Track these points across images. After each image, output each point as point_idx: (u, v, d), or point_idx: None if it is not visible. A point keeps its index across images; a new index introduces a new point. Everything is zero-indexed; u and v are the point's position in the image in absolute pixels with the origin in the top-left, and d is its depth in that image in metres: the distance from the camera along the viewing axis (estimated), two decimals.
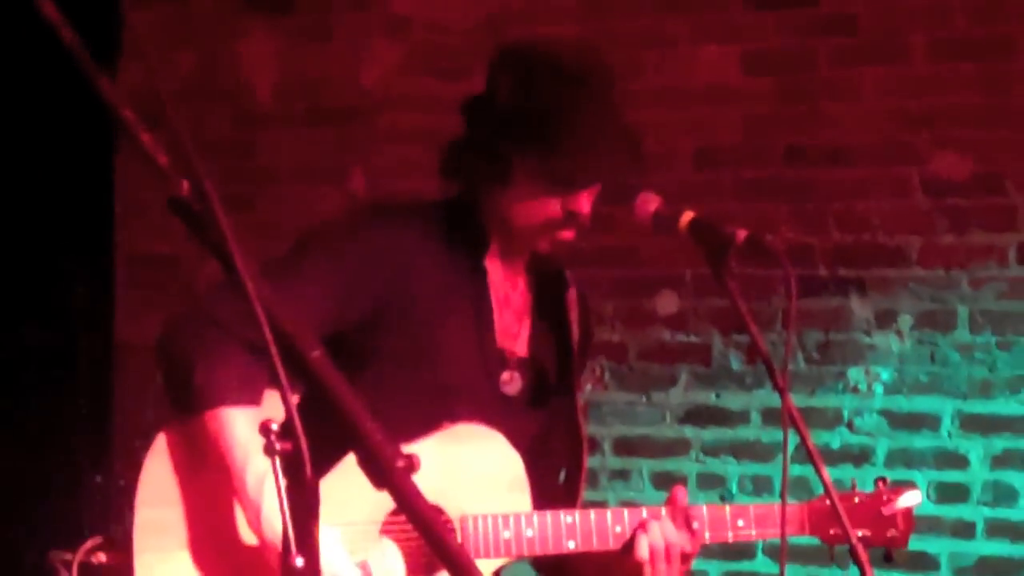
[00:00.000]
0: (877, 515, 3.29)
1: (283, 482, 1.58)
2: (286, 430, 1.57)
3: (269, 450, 1.58)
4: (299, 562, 1.54)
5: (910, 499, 3.31)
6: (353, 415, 1.61)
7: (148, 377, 6.06)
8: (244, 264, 1.57)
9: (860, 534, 3.19)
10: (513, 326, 3.25)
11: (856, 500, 3.29)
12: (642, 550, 3.08)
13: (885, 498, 3.30)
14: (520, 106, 3.01)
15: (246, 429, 2.79)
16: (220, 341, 2.81)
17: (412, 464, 1.64)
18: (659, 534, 3.08)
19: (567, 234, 3.12)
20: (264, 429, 1.60)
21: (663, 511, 3.14)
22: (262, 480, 2.76)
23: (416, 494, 1.63)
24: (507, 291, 3.23)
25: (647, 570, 3.09)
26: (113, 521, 2.97)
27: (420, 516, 1.63)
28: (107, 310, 6.39)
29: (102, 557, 2.86)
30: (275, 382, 1.56)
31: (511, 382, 3.23)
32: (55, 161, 6.04)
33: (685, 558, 3.13)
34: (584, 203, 3.07)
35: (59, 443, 5.99)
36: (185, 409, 2.85)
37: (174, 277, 6.19)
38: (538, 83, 3.02)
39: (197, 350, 2.84)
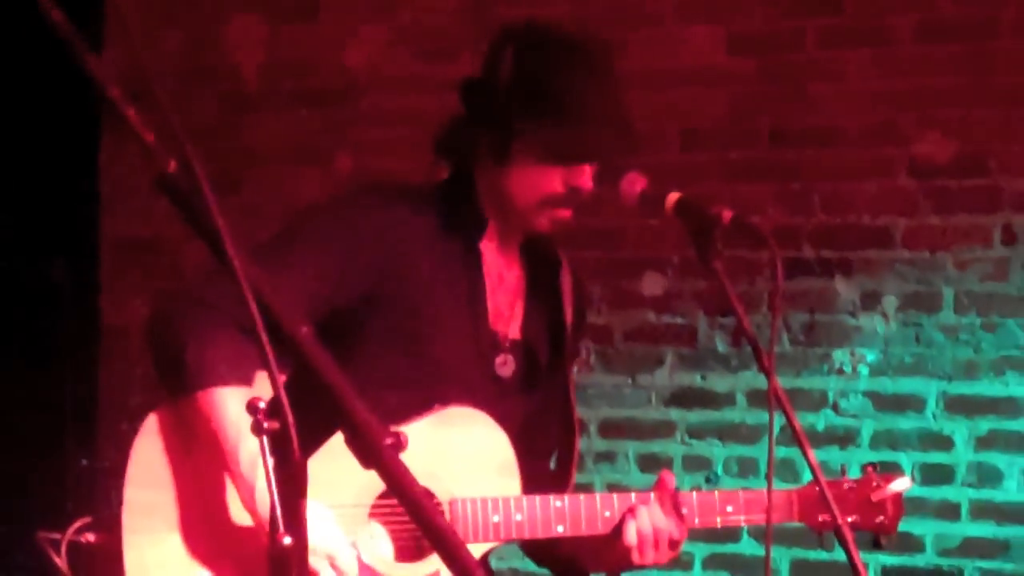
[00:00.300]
0: (866, 501, 3.29)
1: (271, 461, 1.58)
2: (273, 409, 1.57)
3: (256, 429, 1.58)
4: (287, 540, 1.54)
5: (899, 485, 3.32)
6: (340, 393, 1.61)
7: (133, 360, 6.09)
8: (231, 243, 1.57)
9: (849, 520, 3.20)
10: (506, 309, 3.24)
11: (845, 487, 3.30)
12: (630, 535, 3.08)
13: (874, 484, 3.31)
14: (524, 79, 3.02)
15: (238, 408, 2.78)
16: (211, 321, 2.81)
17: (400, 442, 1.64)
18: (647, 520, 3.09)
19: (566, 212, 3.11)
20: (251, 408, 1.60)
21: (651, 496, 3.14)
22: (256, 458, 2.75)
23: (404, 472, 1.63)
24: (501, 273, 3.22)
25: (635, 555, 3.10)
26: (99, 504, 2.96)
27: (408, 495, 1.63)
28: (92, 293, 6.38)
29: (90, 537, 2.85)
30: (264, 361, 1.56)
31: (504, 365, 3.22)
32: (40, 145, 6.02)
33: (673, 544, 3.13)
34: (586, 178, 3.07)
35: (45, 426, 5.98)
36: (176, 389, 2.84)
37: (159, 260, 6.19)
38: (542, 57, 3.04)
39: (188, 331, 2.84)
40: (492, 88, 3.05)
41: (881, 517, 3.31)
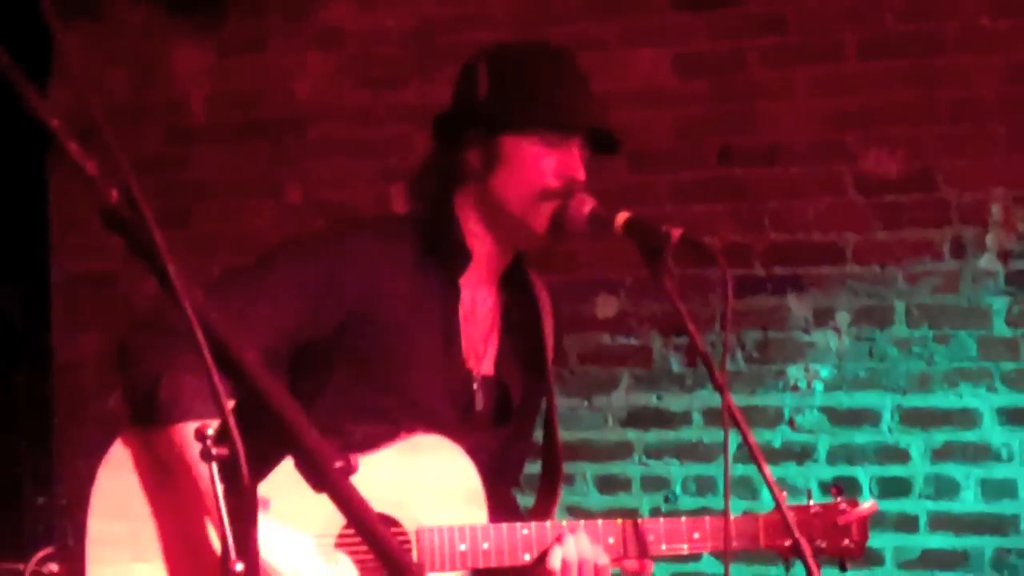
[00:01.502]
0: (833, 526, 3.31)
1: (220, 487, 1.57)
2: (222, 435, 1.57)
3: (205, 455, 1.57)
4: (239, 567, 1.54)
5: (864, 509, 3.33)
6: (288, 418, 1.61)
7: (87, 396, 6.06)
8: (174, 270, 1.57)
9: (816, 545, 3.21)
10: (480, 344, 3.23)
11: (812, 511, 3.30)
12: (554, 561, 3.06)
13: (841, 508, 3.32)
14: (501, 82, 3.08)
15: None
16: (182, 351, 2.79)
17: (350, 465, 1.64)
18: (573, 547, 3.07)
19: (562, 208, 3.10)
20: (199, 435, 1.60)
21: (580, 524, 3.12)
22: None
23: (354, 495, 1.63)
24: (475, 308, 3.22)
25: None
26: (57, 541, 2.94)
27: (358, 516, 1.62)
28: (44, 329, 6.35)
29: (53, 568, 2.84)
30: (211, 388, 1.56)
31: (475, 400, 3.22)
32: None
33: (599, 572, 3.10)
34: (578, 166, 3.09)
35: (1, 464, 5.94)
36: (148, 421, 2.83)
37: (111, 295, 6.16)
38: (514, 60, 3.12)
39: (160, 363, 2.82)
40: (471, 104, 3.10)
41: (847, 540, 3.32)
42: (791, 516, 2.90)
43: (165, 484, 2.85)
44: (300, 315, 2.97)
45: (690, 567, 5.51)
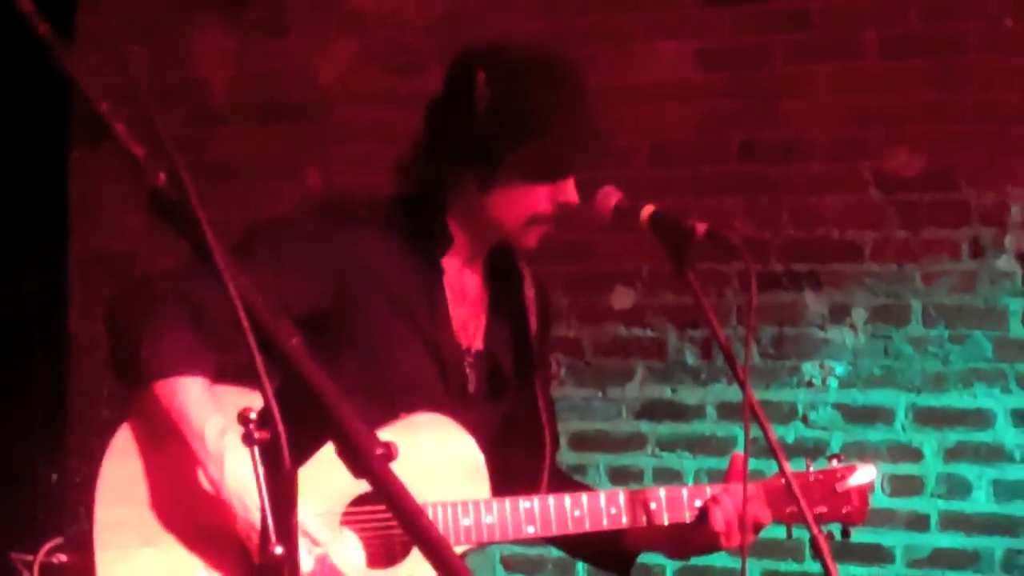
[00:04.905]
0: (832, 492, 3.32)
1: (261, 471, 1.58)
2: (264, 419, 1.58)
3: (247, 439, 1.58)
4: (279, 550, 1.55)
5: (865, 475, 3.35)
6: (331, 404, 1.62)
7: (103, 375, 6.07)
8: (222, 254, 1.58)
9: (817, 511, 3.23)
10: (470, 321, 3.26)
11: (811, 478, 3.32)
12: (718, 522, 3.14)
13: (839, 475, 3.34)
14: (502, 107, 3.03)
15: (201, 393, 2.82)
16: (165, 315, 2.83)
17: (390, 452, 1.65)
18: (731, 505, 3.14)
19: (551, 226, 3.15)
20: (243, 418, 1.61)
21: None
22: (223, 432, 2.76)
23: (395, 482, 1.64)
24: (464, 287, 3.24)
25: (723, 540, 3.16)
26: (70, 519, 2.96)
27: (400, 504, 1.64)
28: (61, 309, 6.36)
29: (62, 557, 2.85)
30: (255, 371, 1.57)
31: (469, 376, 3.25)
32: (8, 159, 6.00)
33: (757, 527, 3.20)
34: (573, 193, 3.11)
35: (14, 442, 5.96)
36: (134, 382, 2.85)
37: (128, 275, 6.16)
38: (515, 81, 3.05)
39: (144, 324, 2.85)
40: (470, 116, 3.06)
41: (848, 507, 3.33)
42: (795, 483, 2.94)
43: (163, 462, 2.87)
44: (283, 300, 2.96)
45: (700, 560, 5.52)
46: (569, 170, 3.09)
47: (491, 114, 3.04)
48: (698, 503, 3.21)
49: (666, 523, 3.20)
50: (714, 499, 3.17)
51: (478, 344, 3.28)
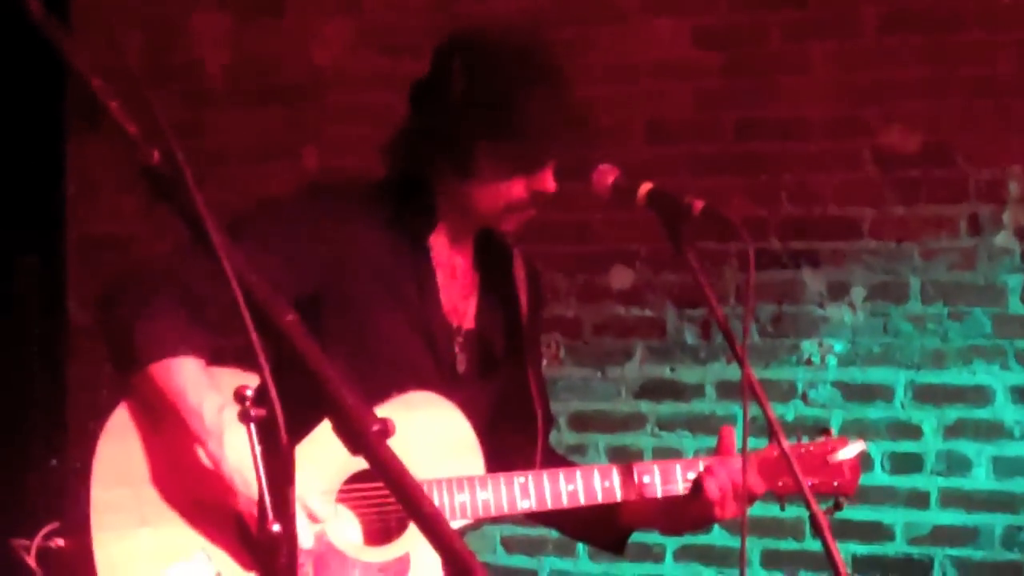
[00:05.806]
0: (824, 464, 3.33)
1: (258, 448, 1.58)
2: (260, 396, 1.57)
3: (244, 416, 1.58)
4: (276, 528, 1.55)
5: (855, 448, 3.37)
6: (327, 380, 1.62)
7: (101, 359, 6.06)
8: (216, 232, 1.57)
9: (809, 483, 3.23)
10: (460, 300, 3.27)
11: (803, 451, 3.33)
12: (712, 491, 3.15)
13: (830, 448, 3.35)
14: (478, 96, 3.04)
15: (197, 372, 2.83)
16: (158, 299, 2.84)
17: (387, 429, 1.65)
18: (726, 475, 3.15)
19: (532, 212, 3.17)
20: (239, 396, 1.61)
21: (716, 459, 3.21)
22: (222, 408, 2.77)
23: (392, 459, 1.64)
24: (453, 266, 3.26)
25: (717, 510, 3.17)
26: (69, 503, 2.95)
27: (396, 481, 1.63)
28: (60, 292, 6.36)
29: (60, 542, 2.85)
30: (251, 349, 1.56)
31: (459, 355, 3.25)
32: (5, 143, 6.00)
33: (751, 498, 3.20)
34: (550, 182, 3.12)
35: (13, 426, 5.96)
36: (128, 367, 2.86)
37: (127, 258, 6.16)
38: (493, 70, 3.05)
39: (135, 309, 2.86)
40: (446, 104, 3.07)
41: (839, 480, 3.34)
42: (791, 452, 2.95)
43: (164, 443, 2.87)
44: (272, 284, 2.95)
45: (700, 540, 5.53)
46: (545, 162, 3.11)
47: (466, 106, 3.04)
48: (691, 475, 3.22)
49: (660, 495, 3.21)
50: (708, 470, 3.18)
51: (468, 323, 3.29)
